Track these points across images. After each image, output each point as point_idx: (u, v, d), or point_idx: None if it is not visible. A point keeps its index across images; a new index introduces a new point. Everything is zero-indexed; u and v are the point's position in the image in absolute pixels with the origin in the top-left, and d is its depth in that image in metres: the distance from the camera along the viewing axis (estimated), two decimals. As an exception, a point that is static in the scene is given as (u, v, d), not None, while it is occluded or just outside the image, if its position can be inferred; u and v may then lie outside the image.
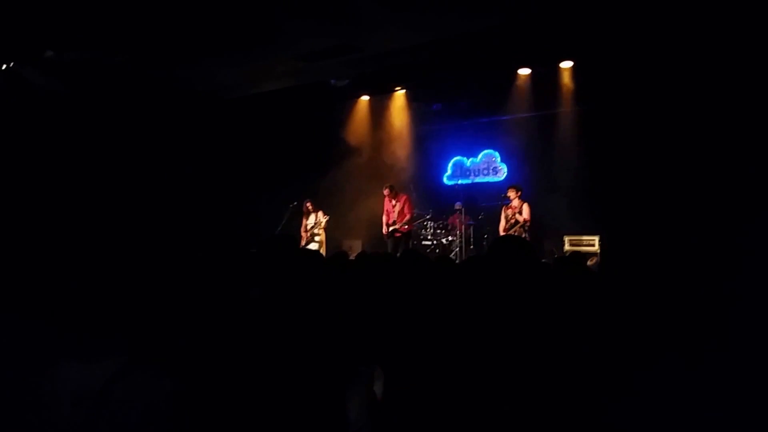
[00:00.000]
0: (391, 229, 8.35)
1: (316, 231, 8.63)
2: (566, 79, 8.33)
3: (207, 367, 1.48)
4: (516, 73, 8.65)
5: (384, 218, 8.46)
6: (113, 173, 7.55)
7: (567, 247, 7.73)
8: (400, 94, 9.90)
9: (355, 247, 9.11)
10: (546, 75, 8.43)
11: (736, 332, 1.86)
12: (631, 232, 7.12)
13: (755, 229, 5.60)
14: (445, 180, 10.38)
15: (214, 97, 8.76)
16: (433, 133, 10.04)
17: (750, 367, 1.70)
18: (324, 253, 8.16)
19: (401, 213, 8.29)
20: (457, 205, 8.79)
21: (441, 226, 9.09)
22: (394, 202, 8.38)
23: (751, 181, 6.38)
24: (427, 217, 9.13)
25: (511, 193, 7.78)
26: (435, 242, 9.01)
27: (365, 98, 10.04)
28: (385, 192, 8.42)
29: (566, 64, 8.25)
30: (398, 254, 7.09)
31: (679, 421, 1.64)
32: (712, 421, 1.62)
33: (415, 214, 8.62)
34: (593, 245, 7.53)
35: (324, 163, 9.59)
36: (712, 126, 6.80)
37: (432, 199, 9.60)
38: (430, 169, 10.23)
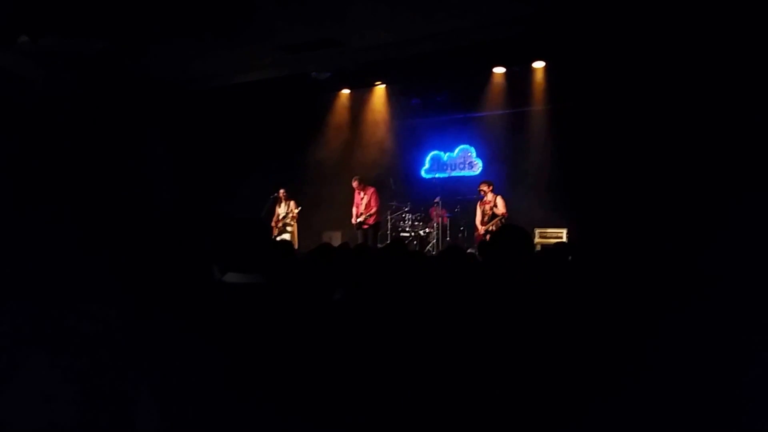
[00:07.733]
0: (358, 220, 8.53)
1: (288, 221, 8.72)
2: (539, 78, 8.68)
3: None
4: (491, 71, 8.98)
5: (354, 210, 8.64)
6: (88, 164, 7.44)
7: (537, 239, 8.09)
8: (380, 89, 10.10)
9: (335, 239, 9.33)
10: (520, 74, 8.78)
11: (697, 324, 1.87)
12: (599, 226, 7.52)
13: (720, 226, 5.94)
14: (422, 173, 10.64)
15: (192, 87, 8.74)
16: (412, 127, 10.27)
17: (724, 362, 1.71)
18: (296, 245, 8.23)
19: (368, 205, 8.43)
20: (437, 199, 9.11)
21: (419, 218, 9.40)
22: (362, 194, 8.52)
23: (718, 179, 6.70)
24: (406, 209, 9.43)
25: (484, 188, 7.96)
26: (413, 234, 9.32)
27: (346, 92, 10.25)
28: (354, 184, 8.55)
29: (539, 64, 8.60)
30: (369, 245, 7.45)
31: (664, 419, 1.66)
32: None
33: (381, 207, 8.71)
34: (561, 237, 7.92)
35: (305, 155, 9.78)
36: (679, 124, 7.13)
37: (410, 191, 9.88)
38: (408, 163, 10.46)
